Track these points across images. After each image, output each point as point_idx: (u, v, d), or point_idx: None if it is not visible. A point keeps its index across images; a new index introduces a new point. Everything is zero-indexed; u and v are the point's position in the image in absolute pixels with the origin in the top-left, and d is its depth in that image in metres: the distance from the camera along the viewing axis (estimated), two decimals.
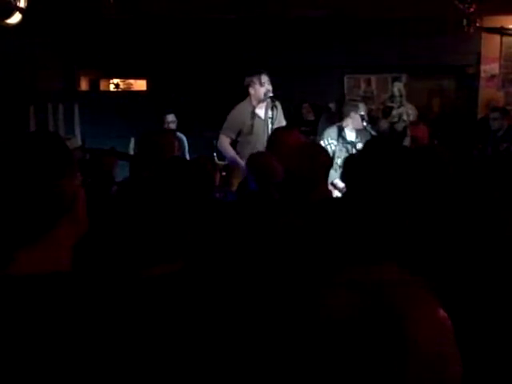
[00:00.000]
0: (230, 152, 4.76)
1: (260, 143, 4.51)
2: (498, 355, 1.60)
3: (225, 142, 4.81)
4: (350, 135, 5.28)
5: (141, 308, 1.24)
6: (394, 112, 7.13)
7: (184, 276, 1.38)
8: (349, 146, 5.19)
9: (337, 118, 5.98)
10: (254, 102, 4.78)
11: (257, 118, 4.77)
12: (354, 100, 6.73)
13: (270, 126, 4.62)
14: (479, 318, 1.63)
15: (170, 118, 6.56)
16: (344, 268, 0.89)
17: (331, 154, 4.58)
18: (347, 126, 5.29)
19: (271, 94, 4.67)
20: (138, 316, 1.21)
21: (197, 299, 1.31)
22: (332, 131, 5.31)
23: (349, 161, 3.38)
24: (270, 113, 4.69)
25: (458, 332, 0.82)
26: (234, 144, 4.88)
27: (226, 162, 5.03)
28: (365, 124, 5.29)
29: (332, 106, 7.60)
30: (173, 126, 6.51)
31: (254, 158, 3.31)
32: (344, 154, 5.03)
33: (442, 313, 0.80)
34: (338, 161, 5.01)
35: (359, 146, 5.21)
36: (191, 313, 1.27)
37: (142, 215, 1.44)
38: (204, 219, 1.84)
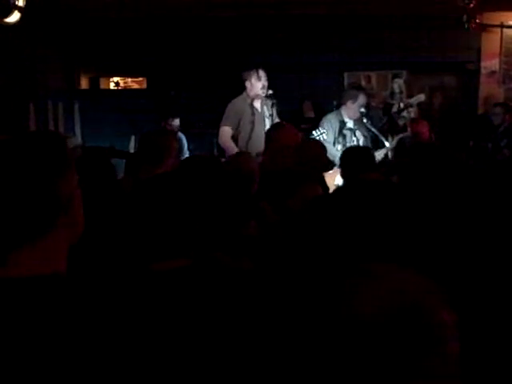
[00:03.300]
0: (232, 147, 4.68)
1: (259, 138, 4.51)
2: (495, 355, 1.60)
3: (226, 136, 4.75)
4: (349, 122, 5.30)
5: (147, 303, 1.23)
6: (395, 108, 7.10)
7: (193, 271, 1.38)
8: (348, 133, 5.20)
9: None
10: (252, 95, 4.80)
11: (256, 112, 4.78)
12: (356, 88, 6.71)
13: (268, 122, 4.63)
14: (479, 318, 1.63)
15: (177, 122, 6.54)
16: (361, 264, 0.89)
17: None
18: (344, 113, 5.29)
19: (270, 92, 4.68)
20: (143, 312, 1.20)
21: (206, 294, 1.30)
22: (334, 122, 5.28)
23: (346, 152, 3.38)
24: (269, 109, 4.70)
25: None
26: (235, 142, 4.85)
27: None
28: (365, 121, 5.30)
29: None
30: (176, 130, 6.50)
31: (233, 160, 3.28)
32: (343, 142, 5.07)
33: (452, 313, 0.82)
34: (339, 147, 5.04)
35: (358, 133, 5.23)
36: (199, 308, 1.27)
37: (154, 210, 1.44)
38: (215, 214, 1.83)
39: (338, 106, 5.81)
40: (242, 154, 3.54)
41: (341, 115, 5.30)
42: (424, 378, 0.77)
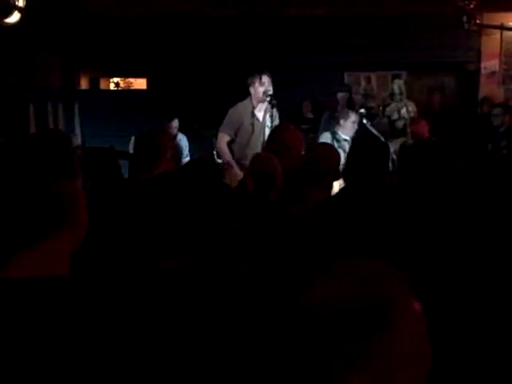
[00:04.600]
0: (226, 153, 4.73)
1: (256, 145, 4.51)
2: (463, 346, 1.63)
3: (223, 142, 4.78)
4: (345, 135, 5.35)
5: (147, 304, 1.24)
6: (393, 106, 7.10)
7: (192, 270, 1.38)
8: (346, 144, 5.22)
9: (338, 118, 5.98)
10: (254, 102, 4.77)
11: (256, 120, 4.77)
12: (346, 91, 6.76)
13: (268, 126, 4.62)
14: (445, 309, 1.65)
15: (175, 123, 6.54)
16: (332, 260, 0.92)
17: None
18: (340, 133, 5.38)
19: (270, 93, 4.66)
20: (143, 312, 1.20)
21: (201, 294, 1.31)
22: (325, 137, 5.39)
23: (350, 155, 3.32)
24: (269, 112, 4.68)
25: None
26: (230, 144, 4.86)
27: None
28: (365, 121, 5.32)
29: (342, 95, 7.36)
30: (175, 131, 6.50)
31: (258, 160, 3.18)
32: (338, 145, 5.12)
33: (418, 303, 0.85)
34: None
35: None
36: (194, 308, 1.27)
37: (154, 210, 1.44)
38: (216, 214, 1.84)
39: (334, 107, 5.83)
40: (263, 156, 3.43)
41: (335, 133, 5.39)
42: (384, 363, 0.79)
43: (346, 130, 5.33)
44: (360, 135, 4.83)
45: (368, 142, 3.13)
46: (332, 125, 5.84)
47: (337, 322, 0.79)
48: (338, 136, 5.34)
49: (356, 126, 5.35)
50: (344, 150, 5.18)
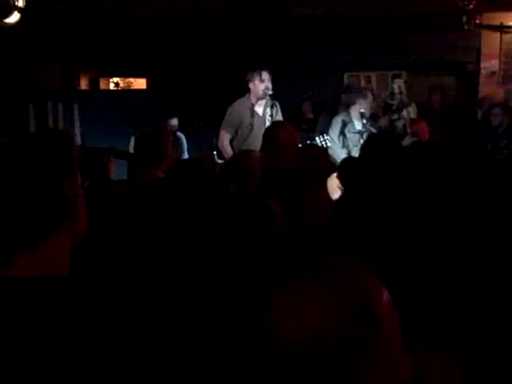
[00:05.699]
0: (229, 151, 4.72)
1: (257, 141, 4.50)
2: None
3: (225, 140, 4.77)
4: (357, 124, 5.31)
5: (143, 304, 1.24)
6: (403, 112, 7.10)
7: (181, 273, 1.38)
8: (356, 136, 5.20)
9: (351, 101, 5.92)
10: (253, 99, 4.75)
11: (255, 116, 4.76)
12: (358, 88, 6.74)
13: (269, 120, 4.61)
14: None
15: (175, 121, 6.55)
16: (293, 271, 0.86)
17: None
18: (354, 114, 5.31)
19: (270, 92, 4.65)
20: (140, 312, 1.20)
21: (188, 297, 1.31)
22: (335, 126, 5.31)
23: (345, 162, 3.32)
24: (269, 111, 4.67)
25: None
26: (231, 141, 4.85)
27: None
28: (365, 121, 5.30)
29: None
30: (174, 129, 6.52)
31: (240, 158, 3.25)
32: (346, 141, 5.09)
33: (386, 288, 0.84)
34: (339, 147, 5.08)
35: (365, 136, 5.23)
36: (182, 311, 1.28)
37: (154, 214, 1.44)
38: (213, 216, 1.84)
39: (334, 107, 5.79)
40: (246, 154, 3.50)
41: (349, 116, 5.32)
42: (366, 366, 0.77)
43: (361, 110, 5.27)
44: (373, 135, 4.80)
45: (382, 143, 3.16)
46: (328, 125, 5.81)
47: (325, 350, 0.75)
48: (349, 126, 5.30)
49: (362, 111, 5.32)
50: (345, 136, 5.17)
